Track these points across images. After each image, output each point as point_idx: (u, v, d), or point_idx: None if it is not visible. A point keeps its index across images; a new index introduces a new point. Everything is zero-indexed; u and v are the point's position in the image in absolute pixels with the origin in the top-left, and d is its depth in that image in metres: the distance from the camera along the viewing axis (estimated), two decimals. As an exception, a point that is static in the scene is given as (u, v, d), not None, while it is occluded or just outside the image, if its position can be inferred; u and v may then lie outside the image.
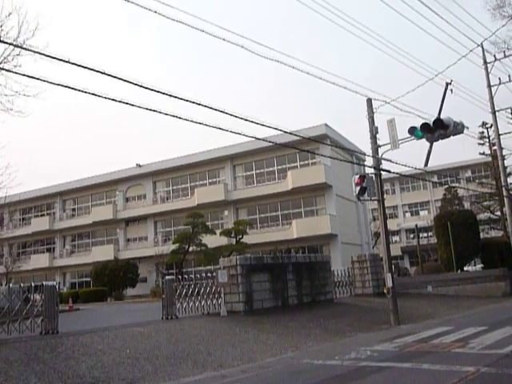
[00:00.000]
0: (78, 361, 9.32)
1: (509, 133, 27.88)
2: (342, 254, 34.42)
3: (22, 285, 13.49)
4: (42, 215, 51.41)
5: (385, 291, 15.55)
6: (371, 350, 9.80)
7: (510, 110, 27.75)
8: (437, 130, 13.91)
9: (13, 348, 10.12)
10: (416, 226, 39.95)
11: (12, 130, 48.12)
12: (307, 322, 14.55)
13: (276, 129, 12.22)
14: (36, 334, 11.77)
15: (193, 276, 16.75)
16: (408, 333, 12.41)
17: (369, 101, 16.12)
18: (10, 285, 15.62)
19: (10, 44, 18.02)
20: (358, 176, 15.62)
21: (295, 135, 16.09)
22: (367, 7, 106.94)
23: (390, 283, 15.21)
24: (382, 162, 15.98)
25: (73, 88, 8.32)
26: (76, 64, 8.07)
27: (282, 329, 13.45)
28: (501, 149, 28.54)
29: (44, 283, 12.46)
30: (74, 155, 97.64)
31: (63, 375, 8.36)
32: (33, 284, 13.44)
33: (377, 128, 15.93)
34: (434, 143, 15.18)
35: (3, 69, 18.90)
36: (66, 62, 8.00)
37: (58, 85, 8.12)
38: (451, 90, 24.95)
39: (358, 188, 15.29)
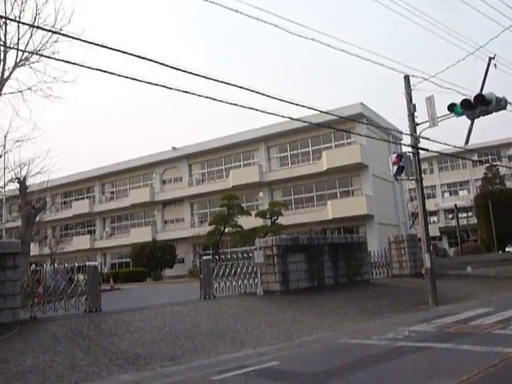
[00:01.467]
0: (121, 338, 9.66)
1: (554, 108, 26.73)
2: (379, 234, 34.07)
3: (65, 265, 14.01)
4: (82, 198, 52.83)
5: (423, 272, 15.37)
6: (409, 331, 9.76)
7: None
8: (478, 106, 13.47)
9: (59, 325, 10.57)
10: (455, 205, 39.14)
11: (52, 115, 49.35)
12: (344, 303, 14.56)
13: (311, 108, 12.12)
14: (80, 312, 12.25)
15: (229, 256, 16.97)
16: (447, 314, 12.27)
17: (406, 78, 15.74)
18: (55, 265, 16.22)
19: (47, 30, 18.47)
20: (395, 155, 15.35)
21: (330, 114, 15.88)
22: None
23: (428, 264, 15.01)
24: (420, 140, 15.65)
25: (109, 72, 8.46)
26: (111, 48, 8.18)
27: (318, 309, 13.52)
28: (545, 125, 27.42)
29: (87, 263, 12.90)
30: (111, 139, 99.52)
31: (107, 351, 8.68)
32: (76, 265, 13.95)
33: (415, 106, 15.57)
34: (476, 120, 14.75)
35: (42, 55, 19.46)
36: (102, 46, 8.12)
37: (95, 69, 8.28)
38: (495, 65, 24.01)
39: (395, 167, 15.04)
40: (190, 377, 7.00)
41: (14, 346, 8.78)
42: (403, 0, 18.07)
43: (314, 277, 17.10)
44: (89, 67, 8.26)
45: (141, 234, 44.84)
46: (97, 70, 8.34)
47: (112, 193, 51.66)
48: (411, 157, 15.44)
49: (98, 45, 8.14)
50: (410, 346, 8.07)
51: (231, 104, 10.46)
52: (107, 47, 8.21)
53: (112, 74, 8.34)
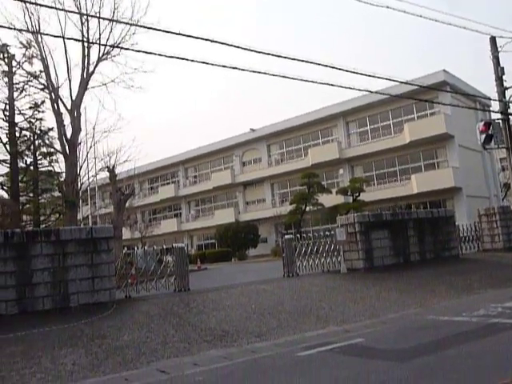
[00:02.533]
0: (209, 315, 10.05)
1: None
2: (468, 207, 32.45)
3: (155, 247, 14.74)
4: (167, 183, 55.06)
5: (517, 245, 14.48)
6: (502, 307, 9.28)
7: None
8: None
9: (152, 304, 11.20)
10: (553, 173, 36.21)
11: (135, 105, 51.53)
12: (431, 279, 14.10)
13: (389, 79, 11.72)
14: (170, 292, 12.88)
15: (311, 235, 16.98)
16: (545, 289, 11.51)
17: (492, 39, 14.72)
18: (145, 248, 17.12)
19: (126, 23, 19.24)
20: (482, 123, 14.52)
21: (410, 84, 15.29)
22: None
23: (523, 237, 14.11)
24: (511, 105, 14.62)
25: (185, 59, 8.69)
26: (187, 35, 8.38)
27: (404, 285, 13.20)
28: None
29: (174, 245, 13.49)
30: (191, 125, 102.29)
31: (196, 328, 9.09)
32: (164, 247, 14.63)
33: (503, 69, 14.55)
34: None
35: (122, 47, 20.34)
36: (178, 34, 8.34)
37: (172, 57, 8.54)
38: None
39: (483, 136, 14.25)
40: (276, 353, 7.16)
41: (111, 324, 9.44)
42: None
43: (399, 253, 16.68)
44: (166, 55, 8.54)
45: (224, 216, 46.01)
46: (174, 57, 8.61)
47: (195, 177, 53.31)
48: (501, 124, 14.50)
49: (173, 33, 8.38)
50: (504, 323, 7.68)
51: (306, 81, 10.37)
52: (183, 34, 8.42)
53: (187, 60, 8.57)
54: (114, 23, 19.44)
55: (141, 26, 13.99)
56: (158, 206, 55.96)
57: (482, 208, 22.72)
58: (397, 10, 11.53)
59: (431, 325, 8.37)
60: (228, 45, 8.84)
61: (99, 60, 20.25)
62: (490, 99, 20.53)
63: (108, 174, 23.74)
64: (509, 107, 14.60)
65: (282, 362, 6.65)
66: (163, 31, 8.40)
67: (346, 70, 10.53)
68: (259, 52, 9.26)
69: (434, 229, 18.16)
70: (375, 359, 6.26)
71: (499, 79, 14.54)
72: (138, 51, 9.55)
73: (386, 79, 11.56)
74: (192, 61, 8.60)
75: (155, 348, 7.86)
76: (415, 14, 12.04)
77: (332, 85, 10.77)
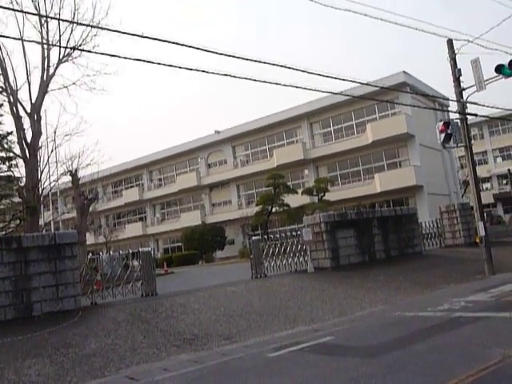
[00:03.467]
0: (178, 319, 9.97)
1: None
2: (429, 205, 33.28)
3: (120, 252, 14.51)
4: (131, 187, 54.22)
5: (477, 241, 14.95)
6: (465, 301, 9.56)
7: None
8: (528, 65, 12.82)
9: (119, 310, 11.01)
10: (509, 170, 37.58)
11: (97, 108, 50.60)
12: (396, 276, 14.40)
13: (352, 81, 11.88)
14: (137, 297, 12.70)
15: (278, 236, 17.06)
16: (504, 282, 11.91)
17: (449, 42, 15.13)
18: (111, 253, 16.83)
19: (86, 25, 18.85)
20: (441, 123, 14.88)
21: (372, 86, 15.55)
22: None
23: (482, 232, 14.58)
24: (468, 105, 15.06)
25: (148, 61, 8.56)
26: (151, 37, 8.27)
27: (370, 283, 13.44)
28: None
29: (140, 250, 13.31)
30: (155, 128, 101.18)
31: (165, 333, 8.99)
32: (130, 251, 14.42)
33: (460, 70, 14.97)
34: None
35: (83, 50, 19.89)
36: (141, 36, 8.22)
37: (134, 59, 8.41)
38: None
39: (443, 135, 14.59)
40: (246, 354, 7.16)
41: (77, 331, 9.23)
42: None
43: (365, 251, 16.97)
44: (128, 58, 8.40)
45: (190, 218, 45.69)
46: (136, 60, 8.48)
47: (160, 179, 52.73)
48: (459, 123, 14.92)
49: (134, 35, 8.24)
50: (467, 317, 7.92)
51: (270, 83, 10.40)
52: (143, 36, 8.30)
53: (151, 62, 8.46)
54: (75, 25, 19.03)
55: (101, 28, 13.76)
56: (123, 210, 55.06)
57: (443, 205, 23.38)
58: (358, 13, 11.72)
59: (398, 321, 8.54)
60: (192, 47, 8.78)
61: (60, 62, 19.77)
62: (448, 100, 21.08)
63: (70, 178, 23.21)
64: (466, 107, 15.03)
65: (253, 363, 6.66)
66: (124, 33, 8.26)
67: (310, 72, 10.62)
68: (221, 54, 9.23)
69: (398, 226, 18.55)
70: (345, 356, 6.34)
71: (457, 80, 14.95)
72: (100, 53, 9.37)
73: (349, 81, 11.73)
74: (158, 64, 8.51)
75: (123, 355, 7.73)
76: (377, 17, 12.27)
77: (296, 87, 10.84)
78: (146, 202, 52.45)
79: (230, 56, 9.13)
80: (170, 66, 8.68)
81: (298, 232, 16.33)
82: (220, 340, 8.36)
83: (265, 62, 9.90)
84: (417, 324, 7.99)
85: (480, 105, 14.79)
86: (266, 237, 17.56)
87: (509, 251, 18.75)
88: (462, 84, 15.00)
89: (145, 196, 52.07)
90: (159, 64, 8.47)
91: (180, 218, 47.66)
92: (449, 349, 6.12)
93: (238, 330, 8.96)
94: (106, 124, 73.90)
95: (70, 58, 20.03)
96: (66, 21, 16.99)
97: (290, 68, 10.12)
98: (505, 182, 52.86)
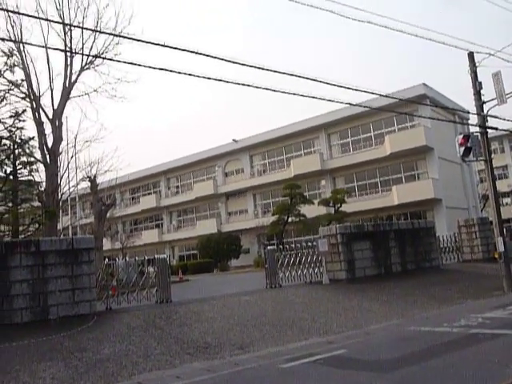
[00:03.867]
0: (191, 327, 9.97)
1: None
2: (448, 218, 32.86)
3: (136, 258, 14.61)
4: (149, 194, 54.64)
5: (496, 256, 14.70)
6: (483, 317, 9.40)
7: None
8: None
9: (133, 316, 11.07)
10: (530, 185, 36.92)
11: (118, 115, 51.22)
12: (412, 289, 14.23)
13: (371, 93, 11.86)
14: (152, 303, 12.75)
15: (293, 246, 17.00)
16: (524, 299, 11.70)
17: (470, 54, 15.02)
18: (126, 259, 16.95)
19: (109, 34, 19.20)
20: (461, 136, 14.75)
21: (391, 98, 15.50)
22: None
23: (501, 247, 14.35)
24: (489, 119, 14.91)
25: (168, 70, 8.67)
26: (172, 47, 8.38)
27: (385, 296, 13.29)
28: None
29: (156, 256, 13.38)
30: (174, 135, 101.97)
31: (179, 340, 9.01)
32: (146, 258, 14.50)
33: (480, 83, 14.84)
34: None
35: (105, 58, 20.25)
36: (162, 45, 8.34)
37: (155, 68, 8.52)
38: None
39: (463, 149, 14.45)
40: (259, 365, 7.13)
41: (92, 336, 9.30)
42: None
43: (381, 264, 16.81)
44: (149, 66, 8.52)
45: (206, 226, 45.81)
46: (157, 68, 8.59)
47: (177, 187, 53.06)
48: (479, 137, 14.77)
49: (157, 44, 8.36)
50: (485, 333, 7.78)
51: (289, 93, 10.44)
52: (165, 46, 8.41)
53: (171, 71, 8.56)
54: (98, 33, 19.37)
55: (124, 37, 13.94)
56: (140, 217, 55.48)
57: (462, 219, 23.08)
58: (378, 25, 11.72)
59: (413, 335, 8.43)
60: (212, 57, 8.87)
61: (82, 69, 20.13)
62: (468, 113, 20.90)
63: (89, 183, 23.49)
64: (487, 121, 14.88)
65: (265, 373, 6.62)
66: (147, 42, 8.38)
67: (328, 83, 10.64)
68: (242, 64, 9.33)
69: (415, 240, 18.36)
70: (358, 370, 6.27)
71: (477, 93, 14.82)
72: (121, 61, 9.51)
73: (368, 92, 11.72)
74: (178, 72, 8.61)
75: (137, 361, 7.76)
76: (395, 28, 12.26)
77: (314, 97, 10.86)
78: (162, 208, 52.78)
79: (249, 66, 9.20)
80: (189, 75, 8.77)
81: (314, 243, 16.25)
82: (233, 349, 8.34)
83: (283, 73, 9.95)
84: (432, 339, 7.87)
85: (501, 118, 14.66)
86: (281, 247, 17.52)
87: (529, 268, 18.40)
88: (482, 97, 14.86)
89: (162, 203, 52.42)
90: (179, 73, 8.56)
91: (196, 226, 47.83)
92: (465, 365, 6.02)
93: (251, 340, 8.93)
94: (125, 131, 74.72)
95: (92, 65, 20.38)
96: (89, 29, 17.32)
97: (307, 78, 10.15)
98: (526, 197, 51.96)
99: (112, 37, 19.72)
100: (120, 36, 16.85)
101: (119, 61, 9.39)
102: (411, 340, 8.06)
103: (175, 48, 8.23)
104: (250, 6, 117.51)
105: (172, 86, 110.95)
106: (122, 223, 55.42)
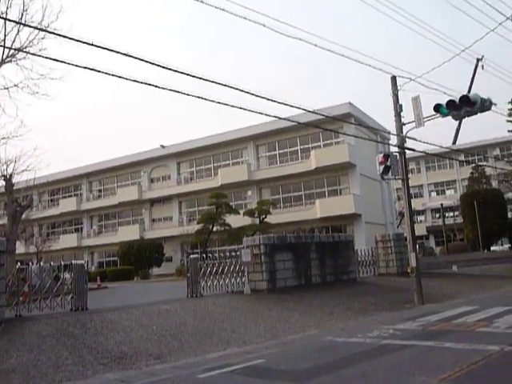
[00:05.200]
0: (107, 336, 9.63)
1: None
2: (366, 233, 34.28)
3: (52, 264, 13.91)
4: (69, 196, 52.44)
5: (408, 271, 15.50)
6: (394, 329, 9.86)
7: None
8: (463, 107, 13.63)
9: (45, 324, 10.50)
10: (441, 205, 39.48)
11: (39, 113, 48.89)
12: (330, 301, 14.65)
13: (299, 108, 12.17)
14: (66, 311, 12.17)
15: (217, 255, 16.97)
16: (431, 312, 12.40)
17: (393, 78, 15.86)
18: (41, 264, 16.11)
19: (34, 28, 18.32)
20: (381, 155, 15.46)
21: (318, 114, 15.98)
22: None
23: (413, 263, 15.15)
24: (407, 140, 15.77)
25: (97, 70, 8.41)
26: (100, 46, 8.14)
27: (304, 307, 13.58)
28: (530, 126, 27.87)
29: (73, 262, 12.81)
30: (99, 137, 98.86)
31: (93, 350, 8.66)
32: (62, 263, 13.85)
33: (401, 106, 15.69)
34: (463, 121, 14.91)
35: (29, 52, 19.26)
36: (90, 44, 8.09)
37: (83, 67, 8.23)
38: (482, 66, 24.22)
39: (382, 167, 15.15)
40: (176, 375, 7.02)
41: (-2, 345, 8.72)
42: (392, 3, 18.18)
43: (301, 275, 17.16)
44: (75, 65, 8.22)
45: (128, 233, 44.66)
46: (84, 67, 8.31)
47: (99, 191, 51.37)
48: (398, 156, 15.57)
49: (85, 43, 8.10)
50: (395, 344, 8.15)
51: (220, 103, 10.47)
52: (94, 45, 8.17)
53: (98, 71, 8.31)
54: (22, 26, 18.39)
55: (49, 32, 13.36)
56: (58, 220, 53.03)
57: (379, 234, 24.14)
58: (309, 42, 12.08)
59: (329, 346, 8.67)
60: (143, 60, 8.70)
61: (2, 62, 18.99)
62: (389, 133, 22.00)
63: (4, 183, 22.13)
64: (405, 142, 15.72)
65: (182, 384, 6.53)
66: (71, 39, 8.08)
67: (258, 96, 10.80)
68: (174, 70, 9.23)
69: (335, 253, 18.94)
70: (275, 380, 6.35)
71: (398, 115, 15.65)
72: (45, 57, 9.09)
73: (296, 107, 12.01)
74: (105, 73, 8.37)
75: (46, 372, 7.37)
76: (324, 47, 12.69)
77: (244, 109, 10.96)
78: (83, 212, 50.84)
79: (180, 72, 9.13)
80: (119, 77, 8.56)
81: (238, 252, 16.31)
82: (150, 359, 8.15)
83: (217, 82, 9.97)
84: (346, 349, 8.14)
85: (418, 140, 15.53)
86: (204, 256, 17.43)
87: (438, 282, 19.59)
88: (402, 119, 15.70)
89: (82, 207, 50.50)
90: (106, 74, 8.33)
91: (118, 232, 46.48)
92: (376, 375, 6.27)
93: (169, 350, 8.77)
94: (47, 130, 71.45)
95: (14, 59, 19.30)
96: (12, 21, 16.38)
97: (240, 90, 10.24)
98: (437, 215, 55.40)
99: (37, 31, 18.80)
100: (45, 31, 16.13)
101: (43, 56, 8.95)
102: (327, 350, 8.29)
103: (103, 48, 8.01)
104: (192, 10, 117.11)
105: (102, 87, 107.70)
106: (39, 226, 52.71)
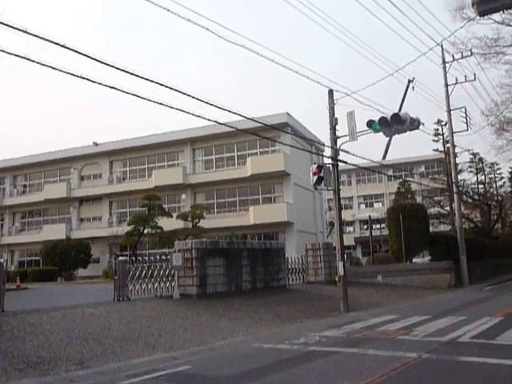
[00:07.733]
0: (24, 340, 9.11)
1: (462, 131, 28.79)
2: (297, 241, 34.91)
3: (-34, 261, 13.01)
4: (-11, 191, 49.55)
5: (336, 279, 15.91)
6: (320, 336, 10.05)
7: (463, 110, 28.59)
8: (393, 124, 14.26)
9: (-45, 326, 9.80)
10: (369, 217, 40.89)
11: (-39, 99, 45.88)
12: (259, 307, 14.73)
13: (238, 114, 12.23)
14: (-20, 312, 11.43)
15: (147, 258, 16.60)
16: (356, 320, 12.78)
17: (330, 92, 16.30)
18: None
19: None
20: (315, 166, 15.82)
21: (256, 122, 16.12)
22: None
23: (341, 272, 15.57)
24: (340, 153, 16.25)
25: (28, 59, 8.02)
26: (33, 35, 7.78)
27: (234, 313, 13.57)
28: (453, 146, 29.57)
29: (-10, 260, 12.07)
30: (26, 129, 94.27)
31: (8, 354, 8.16)
32: (-22, 261, 13.00)
33: (336, 119, 16.15)
34: (393, 138, 15.58)
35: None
36: (24, 31, 7.70)
37: (14, 55, 7.82)
38: (413, 88, 25.48)
39: (316, 177, 15.49)
40: (97, 381, 6.76)
41: None
42: (333, 20, 18.70)
43: (232, 281, 17.15)
44: (4, 51, 7.78)
45: (54, 231, 42.80)
46: (14, 54, 7.88)
47: (24, 186, 48.91)
48: (331, 168, 15.98)
49: (15, 28, 7.69)
50: (320, 351, 8.31)
51: (158, 103, 10.30)
52: (26, 32, 7.79)
53: (29, 60, 7.92)
54: None
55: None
56: (-24, 215, 49.94)
57: (309, 243, 24.65)
58: (252, 51, 12.16)
59: (256, 352, 8.69)
60: (78, 52, 8.40)
61: None
62: (324, 145, 22.62)
63: None
64: (338, 154, 16.19)
65: (103, 391, 6.29)
66: (4, 24, 7.67)
67: (198, 99, 10.73)
68: (111, 66, 8.98)
69: (266, 259, 19.10)
70: (200, 387, 6.26)
71: (333, 128, 16.10)
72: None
73: (235, 113, 12.05)
74: (37, 63, 7.98)
75: (-47, 377, 6.86)
76: (267, 57, 12.84)
77: (182, 111, 10.85)
78: (4, 208, 48.18)
79: (118, 69, 8.90)
80: (51, 67, 8.19)
81: (168, 256, 16.04)
82: (70, 365, 7.79)
83: (156, 82, 9.80)
84: (273, 356, 8.19)
85: (351, 154, 16.05)
86: (134, 258, 16.97)
87: (363, 291, 20.26)
88: (337, 132, 16.17)
89: (4, 202, 47.86)
90: (38, 63, 7.95)
91: (42, 230, 44.43)
92: (301, 381, 6.35)
93: (91, 355, 8.44)
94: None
95: None
96: None
97: (179, 91, 10.12)
98: (365, 227, 57.40)
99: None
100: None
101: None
102: (254, 356, 8.30)
103: (36, 36, 7.64)
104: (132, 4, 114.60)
105: (36, 78, 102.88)
106: (-47, 221, 49.38)
